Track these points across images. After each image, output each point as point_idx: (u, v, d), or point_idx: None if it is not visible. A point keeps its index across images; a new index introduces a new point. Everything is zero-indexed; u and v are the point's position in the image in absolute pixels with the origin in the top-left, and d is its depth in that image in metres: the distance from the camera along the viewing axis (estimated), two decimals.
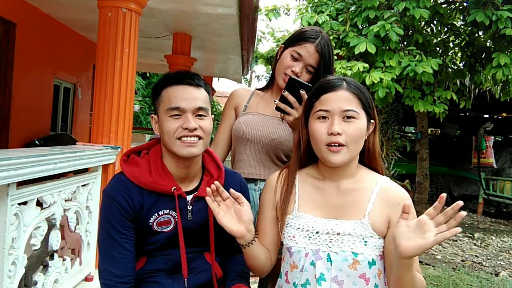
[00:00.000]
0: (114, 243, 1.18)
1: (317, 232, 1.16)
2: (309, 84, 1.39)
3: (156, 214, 1.21)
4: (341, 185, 1.21)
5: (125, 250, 1.18)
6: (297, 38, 1.55)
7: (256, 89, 1.73)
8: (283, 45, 1.61)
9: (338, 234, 1.14)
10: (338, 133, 1.12)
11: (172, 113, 1.18)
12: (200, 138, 1.19)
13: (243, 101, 1.67)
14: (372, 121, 1.21)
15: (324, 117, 1.16)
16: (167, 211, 1.22)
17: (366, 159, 1.25)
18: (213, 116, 1.29)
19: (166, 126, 1.18)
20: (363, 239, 1.13)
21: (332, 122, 1.14)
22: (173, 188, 1.20)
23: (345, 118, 1.15)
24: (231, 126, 1.66)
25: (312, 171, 1.27)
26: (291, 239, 1.19)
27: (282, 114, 1.48)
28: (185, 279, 1.23)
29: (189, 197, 1.25)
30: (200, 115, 1.20)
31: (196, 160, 1.25)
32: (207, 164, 1.32)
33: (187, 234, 1.24)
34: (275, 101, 1.47)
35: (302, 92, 1.38)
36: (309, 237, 1.16)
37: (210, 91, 1.29)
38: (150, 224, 1.21)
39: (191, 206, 1.24)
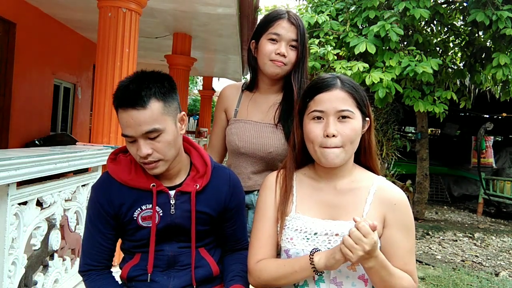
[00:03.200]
0: (92, 239, 1.26)
1: (315, 233, 1.15)
2: None
3: (139, 209, 1.23)
4: (338, 185, 1.20)
5: (101, 245, 1.25)
6: (266, 23, 1.47)
7: (243, 88, 1.62)
8: (253, 41, 1.52)
9: (336, 235, 1.13)
10: (334, 135, 1.11)
11: (127, 140, 1.16)
12: (157, 161, 1.16)
13: (232, 104, 1.60)
14: (367, 119, 1.20)
15: (319, 118, 1.15)
16: (150, 206, 1.23)
17: (363, 157, 1.24)
18: (183, 113, 1.23)
19: (129, 148, 1.19)
20: None
21: (327, 123, 1.13)
22: (151, 185, 1.22)
23: (340, 118, 1.13)
24: (224, 129, 1.62)
25: (309, 171, 1.26)
26: (289, 241, 1.18)
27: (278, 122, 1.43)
28: (149, 275, 1.25)
29: (172, 192, 1.25)
30: (151, 138, 1.13)
31: (173, 162, 1.23)
32: (194, 160, 1.31)
33: (174, 229, 1.25)
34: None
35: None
36: (307, 238, 1.16)
37: (167, 91, 1.15)
38: (135, 218, 1.23)
39: (174, 201, 1.24)
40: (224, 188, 1.31)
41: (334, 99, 1.13)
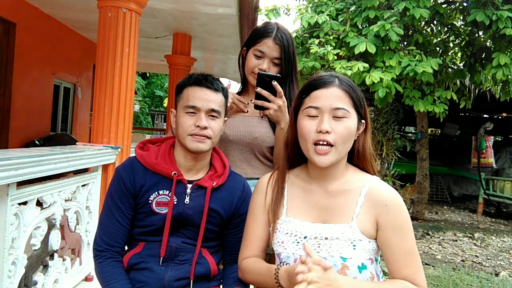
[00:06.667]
0: (111, 216, 1.31)
1: (305, 237, 1.13)
2: (278, 75, 1.46)
3: (156, 193, 1.30)
4: (329, 187, 1.17)
5: (119, 223, 1.30)
6: (255, 37, 1.61)
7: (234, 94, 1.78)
8: (245, 48, 1.67)
9: (326, 238, 1.11)
10: (327, 132, 1.09)
11: (188, 110, 1.30)
12: (208, 137, 1.29)
13: None
14: (363, 121, 1.17)
15: (314, 115, 1.13)
16: (167, 192, 1.30)
17: (356, 159, 1.22)
18: (226, 118, 1.40)
19: (182, 121, 1.31)
20: (352, 243, 1.11)
21: (321, 120, 1.10)
22: (173, 173, 1.30)
23: (335, 116, 1.11)
24: None
25: (301, 172, 1.24)
26: (280, 245, 1.16)
27: (262, 112, 1.51)
28: (161, 258, 1.29)
29: (190, 185, 1.33)
30: (212, 116, 1.31)
31: (203, 156, 1.35)
32: (214, 161, 1.41)
33: (184, 220, 1.30)
34: (251, 100, 1.51)
35: (274, 83, 1.43)
36: (297, 242, 1.14)
37: (228, 96, 1.40)
38: (150, 202, 1.30)
39: (189, 191, 1.32)
40: (237, 192, 1.39)
41: (330, 96, 1.12)
